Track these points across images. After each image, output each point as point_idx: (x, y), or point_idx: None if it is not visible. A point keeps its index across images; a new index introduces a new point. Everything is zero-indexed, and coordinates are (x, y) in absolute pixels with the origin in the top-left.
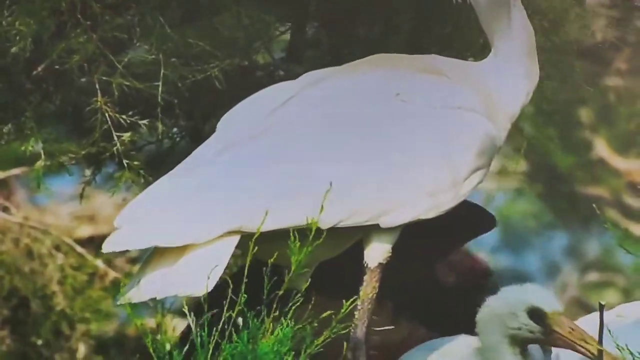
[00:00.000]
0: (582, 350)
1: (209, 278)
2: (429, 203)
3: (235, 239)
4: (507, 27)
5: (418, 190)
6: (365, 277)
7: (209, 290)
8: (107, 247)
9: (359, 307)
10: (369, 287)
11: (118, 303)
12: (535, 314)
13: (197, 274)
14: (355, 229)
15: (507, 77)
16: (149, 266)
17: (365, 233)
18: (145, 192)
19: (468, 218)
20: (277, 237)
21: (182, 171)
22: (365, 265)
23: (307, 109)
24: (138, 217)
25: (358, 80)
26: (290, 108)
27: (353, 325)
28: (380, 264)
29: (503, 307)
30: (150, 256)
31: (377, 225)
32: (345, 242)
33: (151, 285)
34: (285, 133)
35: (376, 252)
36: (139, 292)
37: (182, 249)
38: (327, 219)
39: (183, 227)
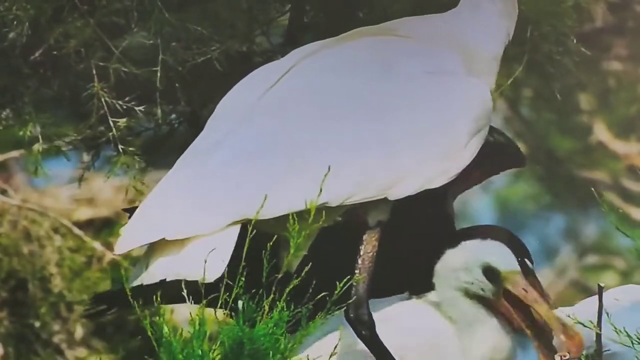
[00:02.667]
0: (521, 324)
1: (220, 262)
2: (433, 171)
3: (238, 225)
4: None
5: (421, 159)
6: (365, 236)
7: (219, 275)
8: (119, 249)
9: (359, 265)
10: (369, 245)
11: (131, 285)
12: (490, 272)
13: (206, 259)
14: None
15: (482, 18)
16: (156, 251)
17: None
18: (157, 187)
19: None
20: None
21: (185, 162)
22: (365, 223)
23: (300, 86)
24: (146, 213)
25: (346, 53)
26: (283, 87)
27: (354, 283)
28: (379, 221)
29: (459, 260)
30: (156, 242)
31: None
32: (336, 212)
33: (161, 268)
34: (281, 114)
35: (376, 212)
36: (150, 274)
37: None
38: (335, 196)
39: (190, 219)
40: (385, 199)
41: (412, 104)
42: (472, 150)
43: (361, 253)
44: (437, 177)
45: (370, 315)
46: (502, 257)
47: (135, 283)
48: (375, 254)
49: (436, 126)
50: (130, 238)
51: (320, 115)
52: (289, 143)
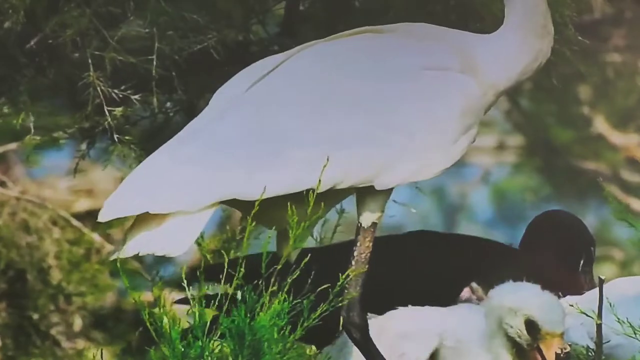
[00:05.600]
0: None
1: (188, 240)
2: (419, 163)
3: (214, 209)
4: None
5: (406, 150)
6: (359, 237)
7: (182, 252)
8: (103, 216)
9: (353, 267)
10: (362, 246)
11: (110, 259)
12: (531, 325)
13: (175, 237)
14: (344, 190)
15: (498, 48)
16: (136, 227)
17: (358, 194)
18: (141, 165)
19: None
20: (270, 203)
21: (176, 142)
22: (359, 225)
23: (291, 75)
24: (133, 186)
25: (341, 47)
26: (274, 76)
27: (347, 285)
28: (373, 223)
29: (510, 301)
30: (136, 221)
31: (370, 187)
32: (331, 203)
33: (135, 244)
34: (270, 101)
35: (370, 213)
36: (124, 250)
37: (166, 215)
38: (322, 182)
39: (175, 195)
40: (376, 198)
41: (400, 97)
42: (461, 148)
43: (354, 254)
44: (422, 169)
45: (363, 317)
46: (550, 316)
47: (113, 257)
48: (369, 255)
49: (422, 119)
50: (114, 207)
51: (308, 104)
52: (275, 129)
